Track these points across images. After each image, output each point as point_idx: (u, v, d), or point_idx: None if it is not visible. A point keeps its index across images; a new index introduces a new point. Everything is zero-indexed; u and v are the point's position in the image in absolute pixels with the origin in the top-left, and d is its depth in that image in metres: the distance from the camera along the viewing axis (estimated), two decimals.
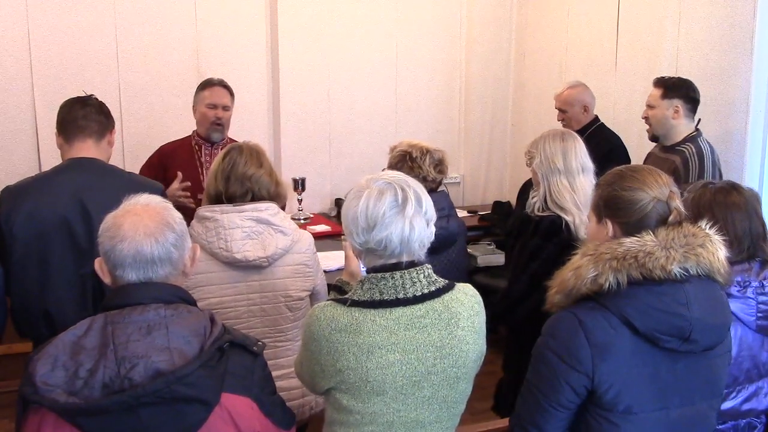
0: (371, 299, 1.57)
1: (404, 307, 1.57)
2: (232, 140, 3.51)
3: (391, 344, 1.55)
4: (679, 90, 3.21)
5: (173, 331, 1.32)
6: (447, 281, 1.65)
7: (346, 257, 1.89)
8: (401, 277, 1.57)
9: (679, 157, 3.15)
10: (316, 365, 1.61)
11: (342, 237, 3.92)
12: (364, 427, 1.60)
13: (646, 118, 3.32)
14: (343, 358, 1.55)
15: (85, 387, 1.25)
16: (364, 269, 1.79)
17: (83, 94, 2.48)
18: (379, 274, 1.58)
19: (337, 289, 1.87)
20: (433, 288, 1.61)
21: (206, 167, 3.41)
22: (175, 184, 3.20)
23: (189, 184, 3.25)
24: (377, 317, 1.56)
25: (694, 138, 3.20)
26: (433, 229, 1.64)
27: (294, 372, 2.29)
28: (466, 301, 1.64)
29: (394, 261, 1.59)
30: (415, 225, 1.57)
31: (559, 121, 3.91)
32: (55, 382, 1.26)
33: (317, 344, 1.58)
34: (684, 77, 3.33)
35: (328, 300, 1.66)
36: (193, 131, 3.51)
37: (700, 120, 3.28)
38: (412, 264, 1.59)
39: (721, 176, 3.20)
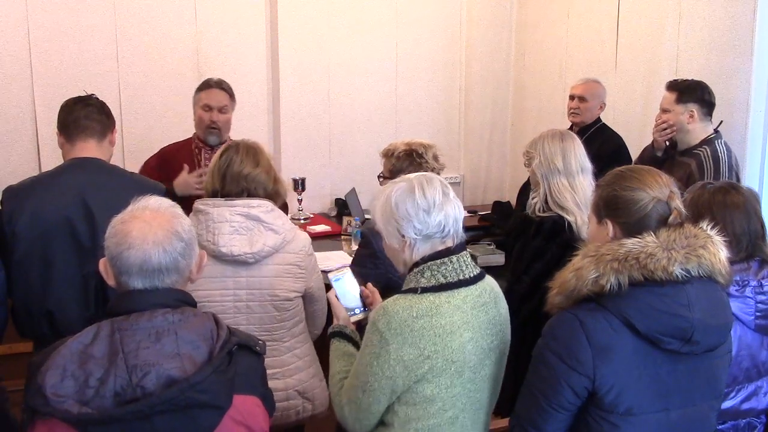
0: (438, 283, 1.65)
1: (466, 288, 1.68)
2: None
3: (465, 323, 1.65)
4: (693, 94, 3.14)
5: (182, 337, 1.32)
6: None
7: (333, 306, 1.91)
8: (458, 260, 1.69)
9: (694, 161, 3.08)
10: (398, 365, 1.60)
11: (342, 238, 3.93)
12: (444, 414, 1.66)
13: (664, 122, 3.20)
14: (430, 343, 1.60)
15: (96, 396, 1.24)
16: (356, 311, 1.89)
17: (84, 94, 2.48)
18: (438, 260, 1.67)
19: (340, 335, 1.86)
20: (478, 270, 1.74)
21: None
22: (192, 178, 3.15)
23: (204, 173, 3.17)
24: (450, 299, 1.65)
25: (710, 141, 3.12)
26: None
27: (278, 374, 2.30)
28: (496, 284, 1.80)
29: (442, 247, 1.69)
30: (459, 207, 1.73)
31: (571, 108, 3.89)
32: (66, 392, 1.25)
33: (400, 338, 1.59)
34: (698, 79, 3.24)
35: (394, 295, 1.67)
36: (194, 133, 3.46)
37: (722, 122, 3.22)
38: (456, 249, 1.70)
39: (738, 180, 3.10)
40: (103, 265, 1.44)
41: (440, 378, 1.63)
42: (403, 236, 1.69)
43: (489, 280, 1.77)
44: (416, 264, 1.69)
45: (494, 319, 1.72)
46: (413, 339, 1.59)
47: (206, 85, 3.37)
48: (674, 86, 3.21)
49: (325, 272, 3.14)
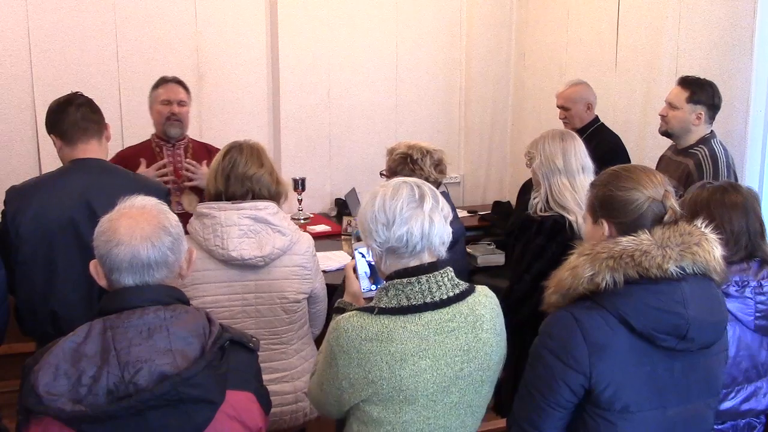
0: (399, 305, 1.54)
1: (432, 312, 1.55)
2: (193, 140, 3.42)
3: (422, 351, 1.53)
4: (705, 96, 3.12)
5: (174, 333, 1.32)
6: (468, 284, 1.65)
7: (348, 278, 1.82)
8: (427, 281, 1.56)
9: (692, 160, 3.08)
10: (344, 381, 1.55)
11: (342, 238, 3.93)
12: None
13: (664, 116, 3.20)
14: (375, 369, 1.52)
15: (89, 394, 1.25)
16: (369, 289, 1.78)
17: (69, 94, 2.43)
18: (404, 279, 1.56)
19: (339, 311, 1.75)
20: (457, 291, 1.60)
21: (170, 168, 3.28)
22: (152, 171, 3.12)
23: (166, 169, 3.19)
24: (407, 324, 1.53)
25: (707, 140, 3.12)
26: (449, 228, 1.63)
27: (287, 377, 2.29)
28: (488, 303, 1.64)
29: (415, 263, 1.58)
30: (434, 219, 1.57)
31: (561, 119, 3.89)
32: (59, 390, 1.25)
33: (347, 357, 1.53)
34: (709, 79, 3.20)
35: (352, 311, 1.60)
36: (152, 134, 3.37)
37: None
38: (434, 266, 1.58)
39: (736, 179, 3.11)
40: (93, 266, 1.44)
41: (386, 403, 1.55)
42: (372, 246, 1.61)
43: (471, 302, 1.61)
44: (387, 278, 1.60)
45: (466, 345, 1.57)
46: (359, 360, 1.52)
47: (163, 81, 3.33)
48: (688, 84, 3.16)
49: (324, 272, 3.17)
